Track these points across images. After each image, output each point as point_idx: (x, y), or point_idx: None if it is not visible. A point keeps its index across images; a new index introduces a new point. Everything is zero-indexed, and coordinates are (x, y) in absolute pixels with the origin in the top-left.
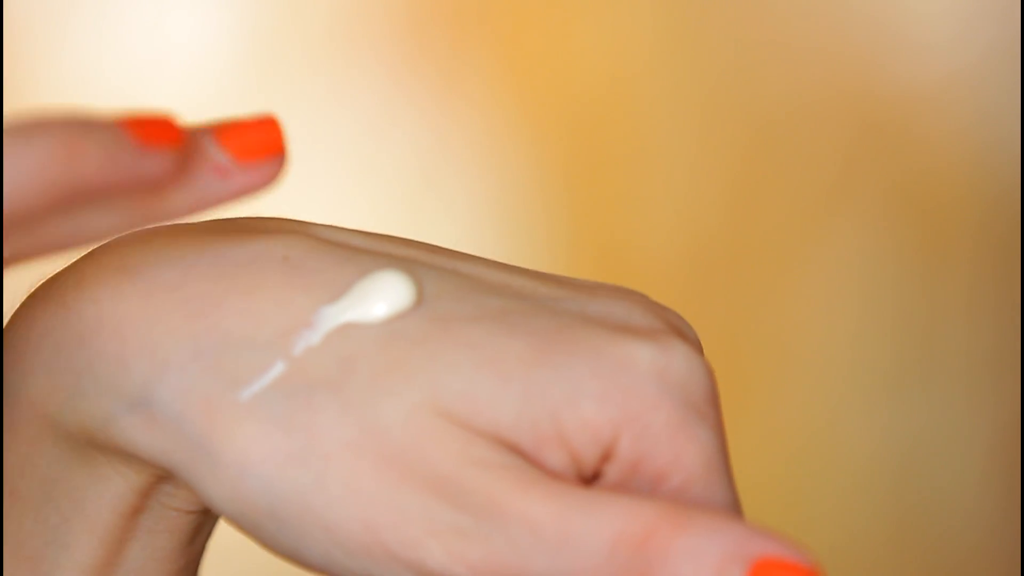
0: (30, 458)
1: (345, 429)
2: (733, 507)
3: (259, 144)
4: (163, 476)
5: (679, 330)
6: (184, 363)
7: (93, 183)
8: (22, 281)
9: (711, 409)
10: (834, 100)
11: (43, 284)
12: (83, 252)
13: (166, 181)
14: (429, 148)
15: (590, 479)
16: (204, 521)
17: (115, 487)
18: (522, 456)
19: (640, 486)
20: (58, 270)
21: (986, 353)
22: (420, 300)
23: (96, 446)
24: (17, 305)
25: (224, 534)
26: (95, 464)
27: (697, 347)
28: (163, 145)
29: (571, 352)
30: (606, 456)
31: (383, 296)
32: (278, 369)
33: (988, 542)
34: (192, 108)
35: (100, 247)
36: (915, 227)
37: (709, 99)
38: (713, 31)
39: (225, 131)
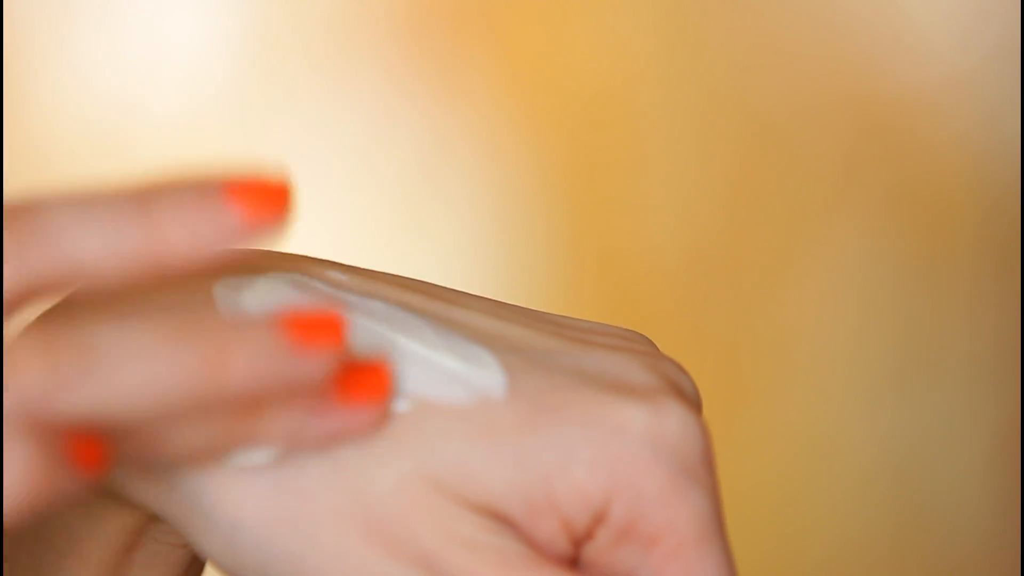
0: None
1: (335, 496)
2: (725, 569)
3: (264, 199)
4: (157, 515)
5: (676, 386)
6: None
7: (239, 392)
8: None
9: (705, 471)
10: (835, 103)
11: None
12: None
13: (323, 385)
14: (429, 148)
15: (582, 540)
16: (197, 554)
17: (109, 526)
18: (513, 525)
19: (632, 549)
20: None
21: (987, 354)
22: None
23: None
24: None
25: None
26: (88, 504)
27: (694, 404)
28: (324, 346)
29: (563, 418)
30: (598, 519)
31: None
32: None
33: (989, 543)
34: (192, 108)
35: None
36: (916, 229)
37: (710, 101)
38: (714, 33)
39: (233, 185)
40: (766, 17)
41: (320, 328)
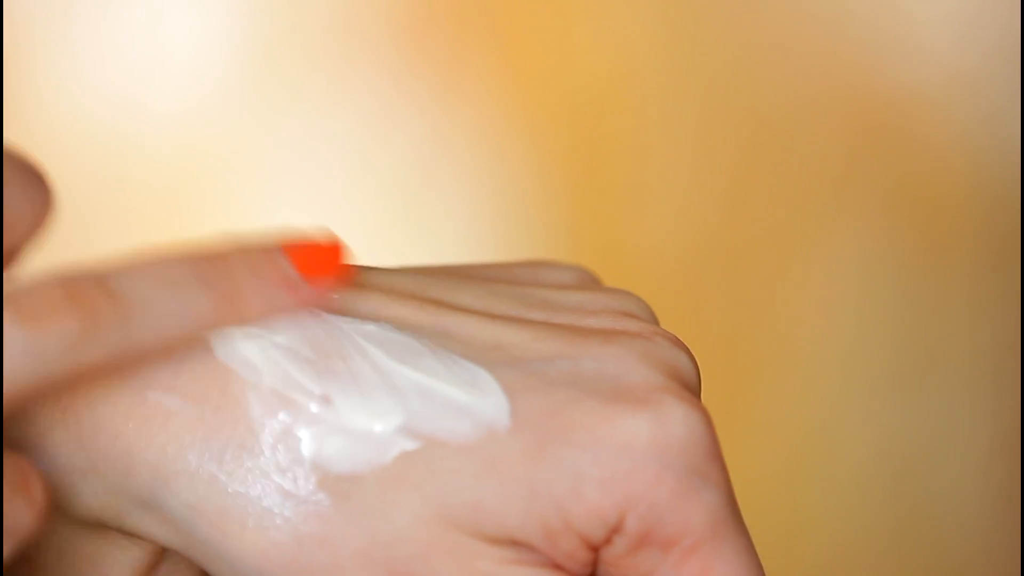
0: (43, 533)
1: (355, 541)
2: (743, 553)
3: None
4: None
5: (675, 373)
6: (188, 475)
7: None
8: None
9: (713, 466)
10: (835, 101)
11: None
12: None
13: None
14: (429, 148)
15: (600, 546)
16: None
17: (131, 553)
18: (532, 548)
19: (651, 552)
20: None
21: (986, 354)
22: None
23: (109, 527)
24: None
25: None
26: (109, 536)
27: (694, 390)
28: (327, 276)
29: (569, 441)
30: (614, 530)
31: None
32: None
33: (988, 543)
34: (192, 107)
35: None
36: (915, 228)
37: (709, 98)
38: (714, 30)
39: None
40: (765, 15)
41: (326, 263)
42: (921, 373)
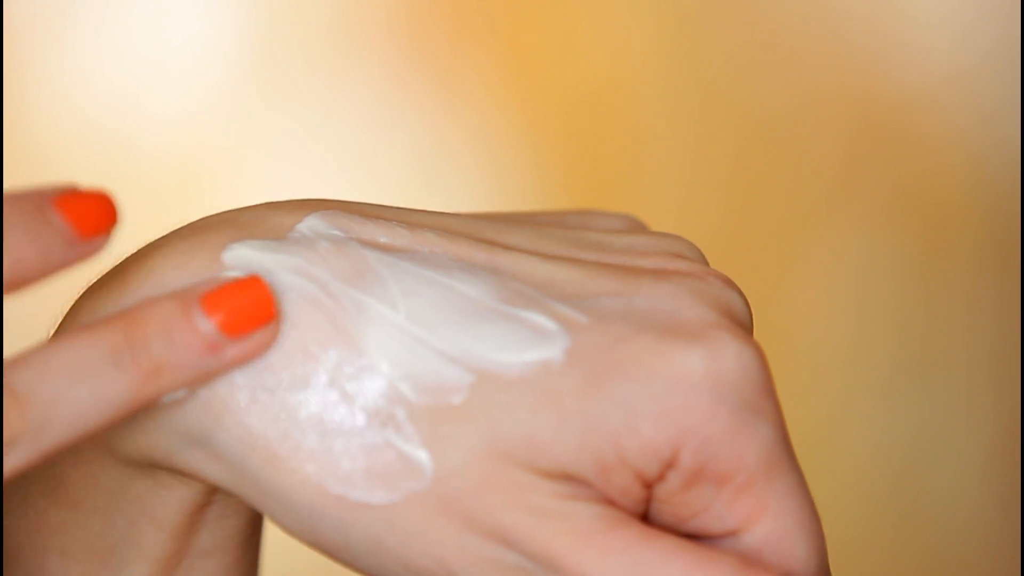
0: (92, 475)
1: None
2: (797, 490)
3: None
4: None
5: (728, 311)
6: (240, 410)
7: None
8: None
9: (766, 401)
10: (834, 100)
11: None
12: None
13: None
14: (429, 148)
15: (654, 482)
16: None
17: (180, 493)
18: (585, 483)
19: (704, 488)
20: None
21: (986, 354)
22: None
23: (159, 467)
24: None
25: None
26: (158, 476)
27: (747, 327)
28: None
29: (623, 375)
30: (669, 466)
31: None
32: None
33: (988, 542)
34: (192, 108)
35: (137, 274)
36: (915, 228)
37: (708, 98)
38: (713, 30)
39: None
40: (765, 16)
41: (252, 318)
42: (921, 373)
